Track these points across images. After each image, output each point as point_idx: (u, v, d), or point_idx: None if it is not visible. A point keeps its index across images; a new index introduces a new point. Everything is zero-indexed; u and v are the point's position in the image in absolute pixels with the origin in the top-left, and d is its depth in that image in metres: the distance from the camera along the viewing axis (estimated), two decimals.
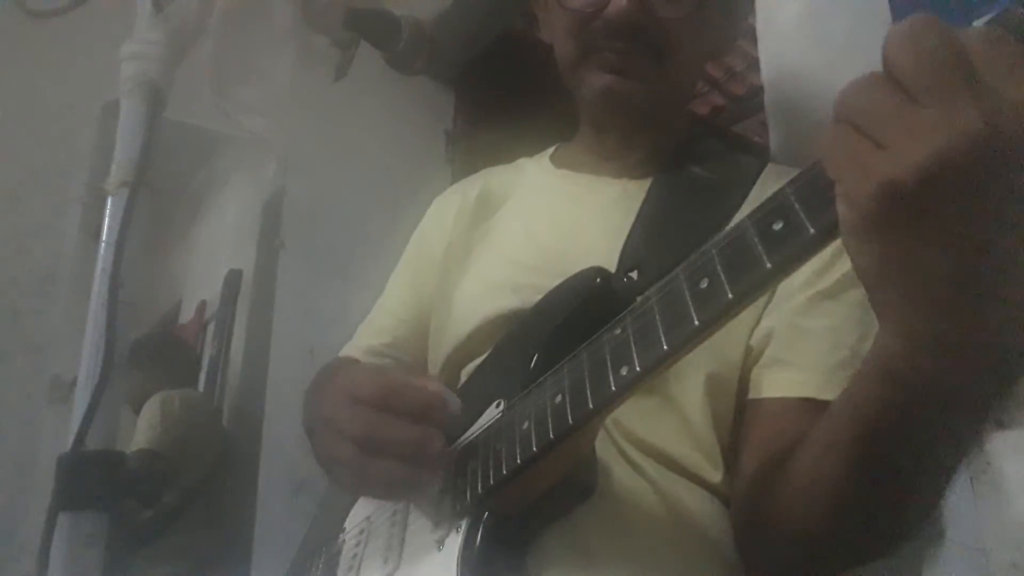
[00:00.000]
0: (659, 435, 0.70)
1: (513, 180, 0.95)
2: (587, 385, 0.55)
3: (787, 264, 0.43)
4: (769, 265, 0.42)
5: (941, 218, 0.35)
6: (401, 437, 0.61)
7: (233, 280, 2.92)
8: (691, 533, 0.68)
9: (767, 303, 0.73)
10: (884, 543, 0.57)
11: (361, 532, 0.77)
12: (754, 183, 0.78)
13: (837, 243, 0.75)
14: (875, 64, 0.40)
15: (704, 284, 0.47)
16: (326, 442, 0.66)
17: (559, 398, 0.57)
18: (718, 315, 0.46)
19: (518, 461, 0.59)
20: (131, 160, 0.99)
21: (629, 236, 0.77)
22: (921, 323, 0.39)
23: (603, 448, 0.67)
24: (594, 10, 0.79)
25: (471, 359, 0.81)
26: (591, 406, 0.54)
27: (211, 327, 3.05)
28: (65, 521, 0.89)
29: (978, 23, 0.80)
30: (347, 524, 0.81)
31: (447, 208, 0.98)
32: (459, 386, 0.80)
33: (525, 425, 0.60)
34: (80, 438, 0.89)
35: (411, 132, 2.25)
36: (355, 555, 0.75)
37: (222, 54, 1.01)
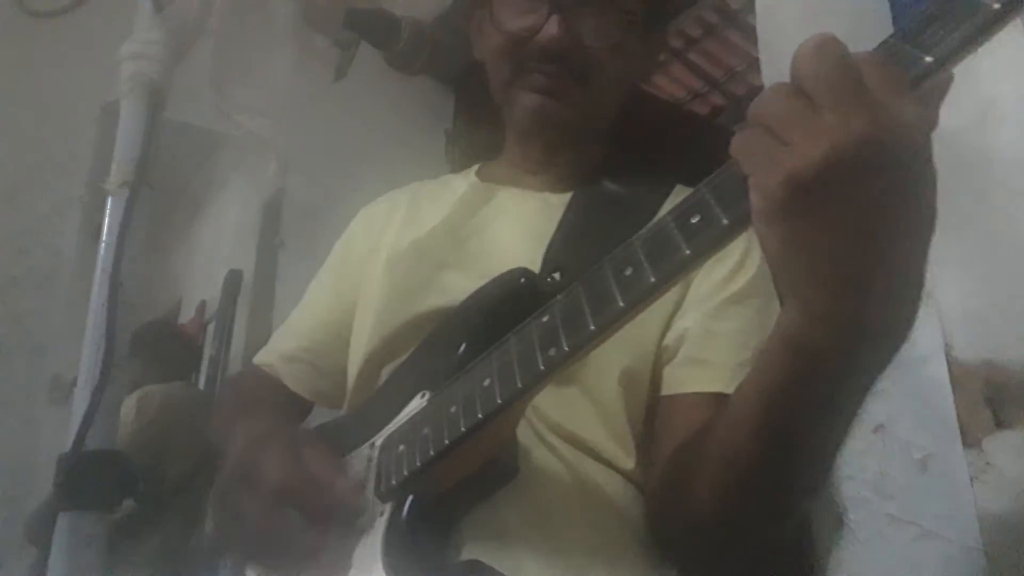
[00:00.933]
0: (576, 423, 0.74)
1: (440, 193, 0.98)
2: (516, 367, 0.57)
3: (704, 250, 0.48)
4: (688, 251, 0.48)
5: (834, 206, 0.41)
6: (303, 541, 0.63)
7: (233, 280, 2.92)
8: (607, 514, 0.72)
9: (677, 307, 0.79)
10: (786, 508, 0.62)
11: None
12: (663, 202, 0.84)
13: (741, 254, 0.78)
14: None
15: (628, 272, 0.51)
16: (226, 523, 0.68)
17: (487, 381, 0.59)
18: (642, 297, 0.50)
19: (446, 442, 0.61)
20: (131, 160, 0.99)
21: (551, 242, 0.82)
22: (816, 299, 0.45)
23: (523, 434, 0.70)
24: (528, 35, 0.84)
25: (393, 358, 0.82)
26: (520, 385, 0.57)
27: (211, 327, 3.05)
28: (65, 521, 0.89)
29: None
30: None
31: (374, 216, 1.00)
32: (381, 383, 0.81)
33: (453, 409, 0.61)
34: (80, 438, 0.89)
35: (411, 132, 2.26)
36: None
37: (222, 54, 1.01)
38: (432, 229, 0.90)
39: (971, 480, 0.74)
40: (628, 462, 0.74)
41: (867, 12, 0.97)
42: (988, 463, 0.73)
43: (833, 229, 0.42)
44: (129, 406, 2.19)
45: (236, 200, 3.28)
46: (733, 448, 0.59)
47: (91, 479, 0.90)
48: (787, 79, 0.43)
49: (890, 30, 0.43)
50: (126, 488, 0.94)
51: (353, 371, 0.87)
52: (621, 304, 0.51)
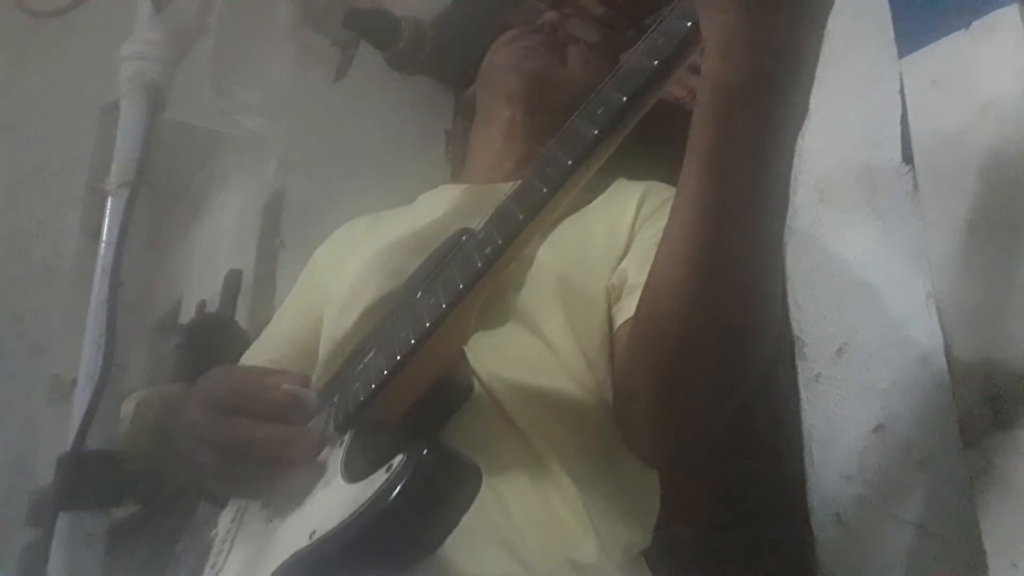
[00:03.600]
0: (532, 374, 0.76)
1: (401, 210, 1.03)
2: (456, 274, 0.61)
3: (609, 128, 0.54)
4: (596, 131, 0.54)
5: None
6: (260, 439, 0.65)
7: (233, 280, 2.91)
8: (558, 474, 0.73)
9: (622, 256, 0.82)
10: (745, 346, 0.62)
11: (233, 519, 0.77)
12: (605, 189, 0.90)
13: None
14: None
15: (549, 168, 0.57)
16: (188, 449, 0.69)
17: (432, 299, 0.63)
18: (562, 180, 0.56)
19: (397, 358, 0.62)
20: (131, 160, 1.00)
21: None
22: (734, 25, 0.49)
23: (479, 396, 0.72)
24: (529, 20, 1.00)
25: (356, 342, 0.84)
26: (461, 286, 0.60)
27: None
28: (65, 521, 0.89)
29: (977, 23, 0.80)
30: (219, 520, 0.81)
31: (337, 238, 1.05)
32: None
33: (403, 333, 0.63)
34: (80, 438, 0.89)
35: (411, 132, 2.25)
36: (227, 537, 0.76)
37: (222, 54, 1.01)
38: (393, 227, 0.94)
39: (971, 480, 0.74)
40: (591, 399, 0.76)
41: (867, 12, 0.97)
42: (988, 463, 0.73)
43: None
44: (127, 411, 2.17)
45: (236, 200, 3.28)
46: (673, 285, 0.60)
47: (91, 479, 0.90)
48: None
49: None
50: (126, 488, 0.94)
51: (319, 366, 0.88)
52: (544, 190, 0.56)
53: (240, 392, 0.67)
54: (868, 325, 0.95)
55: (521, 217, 0.57)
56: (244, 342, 3.19)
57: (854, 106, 0.99)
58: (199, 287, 3.44)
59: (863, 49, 0.98)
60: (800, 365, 1.02)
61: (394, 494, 0.55)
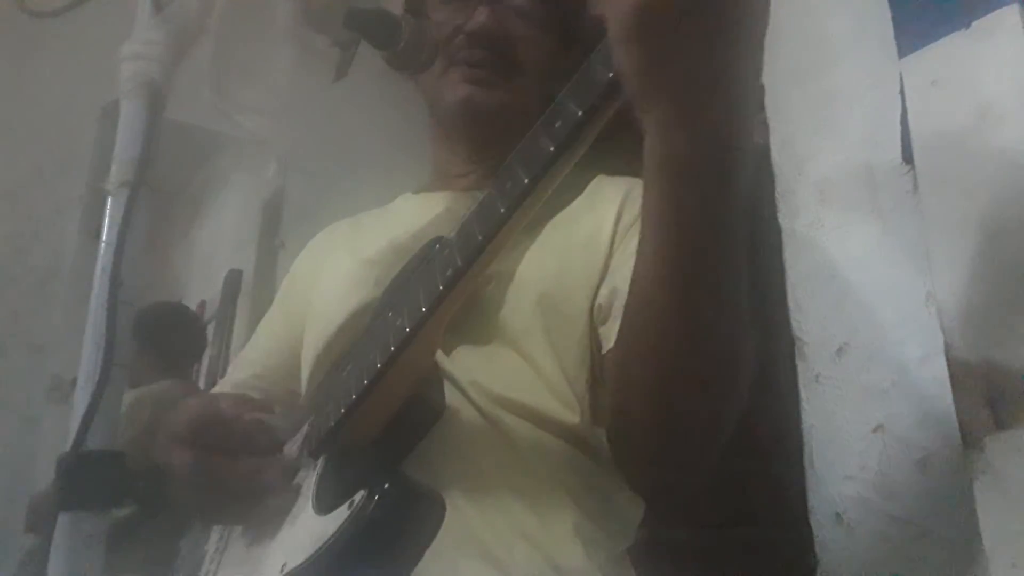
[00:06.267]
0: (515, 389, 0.76)
1: (379, 214, 1.03)
2: (420, 295, 0.62)
3: (566, 144, 0.53)
4: (552, 147, 0.54)
5: (679, 26, 0.46)
6: (228, 472, 0.67)
7: (233, 280, 2.92)
8: (542, 480, 0.73)
9: (604, 272, 0.81)
10: (720, 376, 0.61)
11: (220, 537, 0.80)
12: (583, 190, 0.88)
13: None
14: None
15: (508, 184, 0.56)
16: (170, 483, 0.71)
17: (399, 320, 0.63)
18: (520, 199, 0.56)
19: (364, 383, 0.63)
20: (131, 160, 0.99)
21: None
22: (671, 108, 0.49)
23: (461, 406, 0.73)
24: (460, 21, 0.90)
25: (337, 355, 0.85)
26: (424, 309, 0.61)
27: (211, 327, 3.05)
28: (65, 521, 0.89)
29: (977, 23, 0.80)
30: (211, 535, 0.84)
31: (315, 246, 1.05)
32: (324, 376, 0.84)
33: (372, 356, 0.64)
34: (80, 438, 0.89)
35: (411, 132, 2.25)
36: (215, 557, 0.78)
37: (222, 54, 1.01)
38: (370, 240, 0.93)
39: (971, 480, 0.74)
40: (572, 418, 0.76)
41: (867, 12, 0.97)
42: (988, 463, 0.73)
43: (681, 44, 0.47)
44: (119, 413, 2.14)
45: (236, 200, 3.28)
46: (646, 325, 0.60)
47: (91, 479, 0.90)
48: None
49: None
50: (126, 488, 0.94)
51: (305, 375, 0.89)
52: (502, 211, 0.56)
53: (204, 426, 0.68)
54: (868, 325, 0.95)
55: (480, 238, 0.58)
56: (198, 325, 3.14)
57: (854, 106, 0.99)
58: (199, 287, 3.45)
59: (863, 49, 0.98)
60: (800, 365, 1.02)
61: (355, 531, 0.58)
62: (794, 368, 1.02)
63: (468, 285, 0.61)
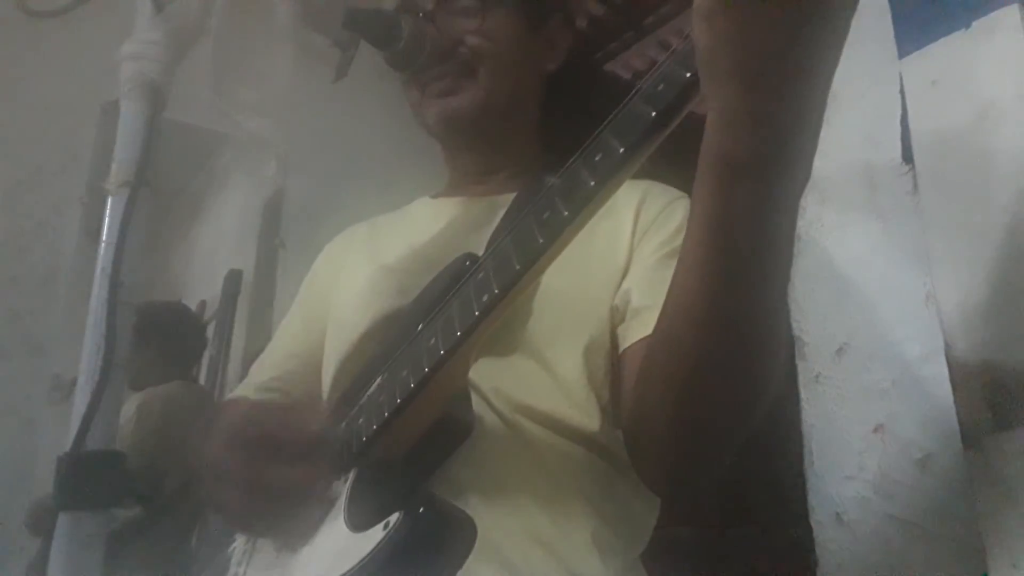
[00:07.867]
0: (536, 396, 0.76)
1: (396, 218, 1.03)
2: (455, 319, 0.62)
3: (606, 179, 0.54)
4: (592, 183, 0.54)
5: (769, 6, 0.44)
6: (287, 481, 0.67)
7: (233, 280, 2.91)
8: (564, 486, 0.74)
9: (624, 273, 0.82)
10: (752, 381, 0.61)
11: (247, 540, 0.80)
12: None
13: (682, 217, 0.80)
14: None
15: (547, 214, 0.57)
16: (212, 487, 0.70)
17: (432, 340, 0.64)
18: (559, 231, 0.56)
19: (398, 401, 0.64)
20: (131, 160, 1.00)
21: (494, 232, 0.85)
22: (736, 95, 0.47)
23: (484, 414, 0.73)
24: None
25: (361, 363, 0.85)
26: (459, 333, 0.61)
27: (211, 327, 3.05)
28: (65, 521, 0.89)
29: (977, 23, 0.80)
30: (236, 537, 0.84)
31: (334, 249, 1.05)
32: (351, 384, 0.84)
33: (404, 372, 0.65)
34: (80, 438, 0.89)
35: (411, 132, 2.25)
36: (242, 560, 0.78)
37: (222, 54, 1.01)
38: (390, 246, 0.93)
39: (971, 480, 0.74)
40: (592, 424, 0.76)
41: (867, 12, 0.97)
42: (988, 463, 0.73)
43: (764, 29, 0.45)
44: (128, 415, 2.15)
45: (236, 200, 3.28)
46: (680, 334, 0.60)
47: (91, 479, 0.90)
48: None
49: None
50: (126, 488, 0.94)
51: (327, 381, 0.89)
52: (541, 241, 0.57)
53: (268, 433, 0.68)
54: (868, 325, 0.95)
55: (518, 267, 0.58)
56: (198, 325, 3.13)
57: (854, 106, 0.99)
58: (199, 287, 3.44)
59: (863, 49, 0.98)
60: (800, 365, 1.02)
61: (390, 553, 0.59)
62: (794, 368, 1.02)
63: (503, 311, 0.61)
